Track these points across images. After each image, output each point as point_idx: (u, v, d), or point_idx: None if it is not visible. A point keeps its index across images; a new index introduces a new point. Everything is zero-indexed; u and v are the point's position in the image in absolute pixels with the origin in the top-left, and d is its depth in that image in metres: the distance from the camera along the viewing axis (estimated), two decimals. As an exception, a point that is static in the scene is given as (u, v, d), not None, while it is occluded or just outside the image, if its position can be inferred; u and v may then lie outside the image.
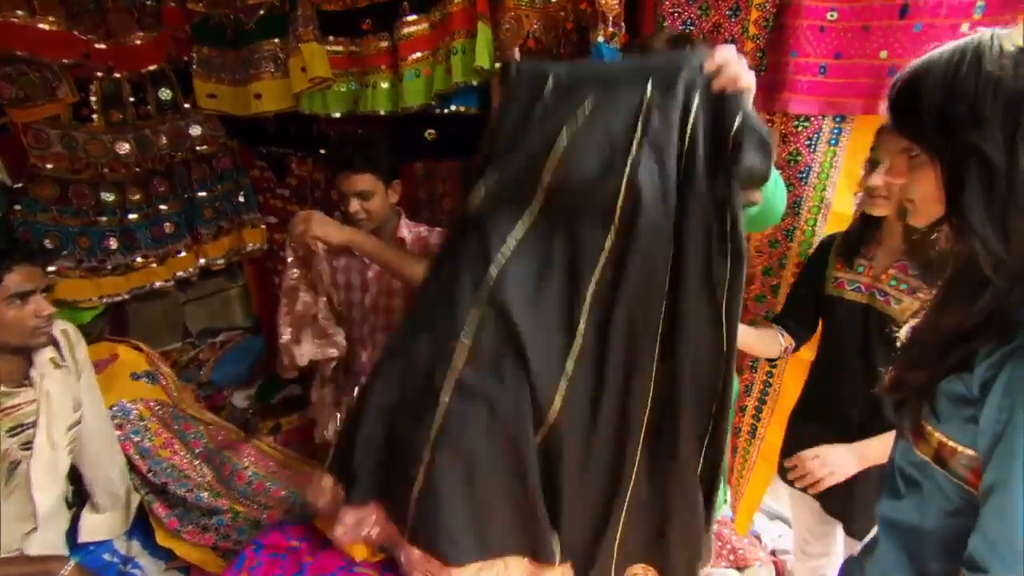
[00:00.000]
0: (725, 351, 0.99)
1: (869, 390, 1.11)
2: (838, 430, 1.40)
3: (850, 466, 1.29)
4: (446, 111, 2.05)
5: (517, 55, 1.02)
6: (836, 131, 1.64)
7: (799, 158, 1.66)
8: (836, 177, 1.68)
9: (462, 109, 2.00)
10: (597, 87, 0.99)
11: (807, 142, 1.65)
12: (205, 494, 1.73)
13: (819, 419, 1.52)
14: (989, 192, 0.69)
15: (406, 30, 2.03)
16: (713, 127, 0.96)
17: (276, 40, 2.25)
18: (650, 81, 0.96)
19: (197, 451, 1.93)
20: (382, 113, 2.17)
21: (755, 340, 1.50)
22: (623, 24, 1.73)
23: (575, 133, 0.97)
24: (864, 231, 1.43)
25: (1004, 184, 0.69)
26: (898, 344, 0.96)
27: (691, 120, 0.96)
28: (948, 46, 0.74)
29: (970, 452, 0.75)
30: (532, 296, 1.02)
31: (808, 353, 1.80)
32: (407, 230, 1.91)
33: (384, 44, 2.11)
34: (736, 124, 0.94)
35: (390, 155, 1.83)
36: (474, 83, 1.93)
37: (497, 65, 1.85)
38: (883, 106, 1.58)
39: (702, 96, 0.96)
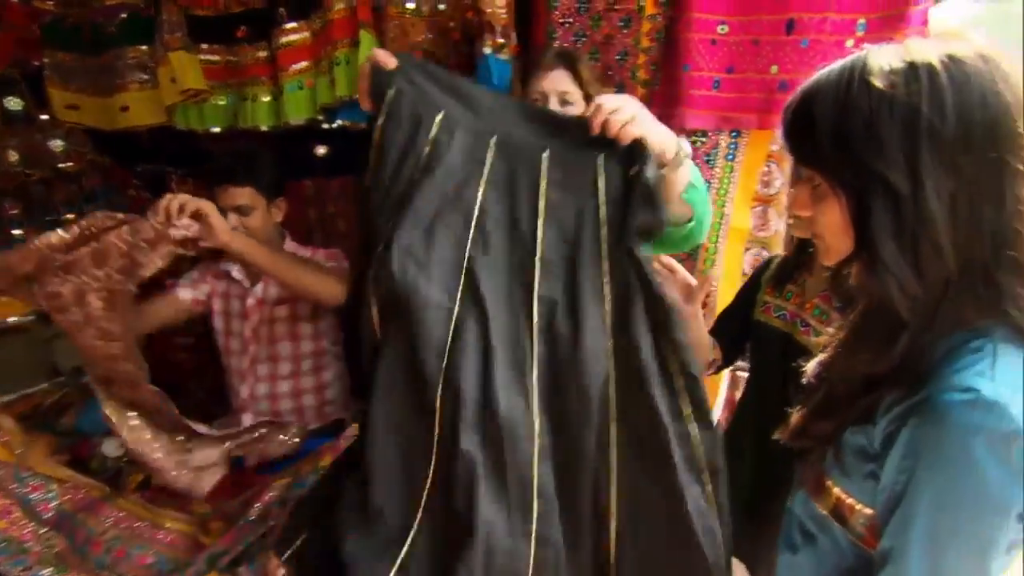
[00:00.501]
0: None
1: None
2: (762, 458, 1.33)
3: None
4: (335, 126, 1.90)
5: (389, 61, 0.89)
6: (732, 146, 1.61)
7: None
8: (734, 192, 1.64)
9: (348, 124, 1.85)
10: (497, 143, 0.93)
11: (705, 158, 1.61)
12: (48, 571, 1.49)
13: (744, 447, 1.45)
14: (898, 223, 0.62)
15: (285, 39, 1.87)
16: (616, 188, 0.89)
17: (143, 47, 2.02)
18: (547, 152, 0.91)
19: (46, 516, 1.67)
20: (264, 129, 1.98)
21: (700, 338, 1.39)
22: (513, 35, 1.64)
23: (485, 199, 0.90)
24: (799, 256, 1.36)
25: (912, 213, 0.62)
26: (803, 381, 0.90)
27: (596, 185, 0.89)
28: (836, 65, 0.68)
29: (868, 511, 0.68)
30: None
31: (711, 380, 1.75)
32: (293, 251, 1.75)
33: (262, 54, 1.93)
34: (639, 183, 0.87)
35: (274, 169, 1.69)
36: (361, 96, 1.79)
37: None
38: (779, 121, 1.58)
39: (604, 159, 0.90)
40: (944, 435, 0.60)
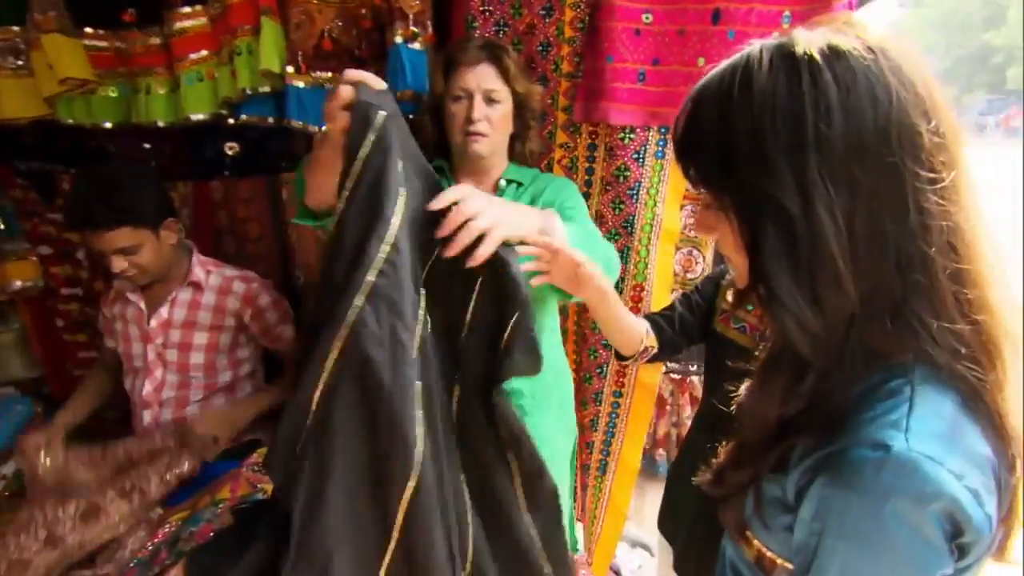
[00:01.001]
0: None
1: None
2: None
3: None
4: (239, 121, 1.73)
5: (379, 83, 0.79)
6: (662, 143, 1.53)
7: (628, 173, 1.53)
8: (665, 191, 1.57)
9: (256, 120, 1.69)
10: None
11: (634, 155, 1.53)
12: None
13: (697, 464, 1.36)
14: (792, 250, 0.54)
15: (179, 24, 1.69)
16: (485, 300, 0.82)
17: (14, 28, 1.80)
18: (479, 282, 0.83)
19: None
20: (161, 124, 1.80)
21: (622, 324, 1.25)
22: (428, 23, 1.52)
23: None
24: None
25: (806, 239, 0.53)
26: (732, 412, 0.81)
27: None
28: (722, 64, 0.59)
29: (789, 566, 0.60)
30: None
31: (650, 378, 1.68)
32: (202, 270, 1.59)
33: (155, 41, 1.74)
34: (508, 327, 0.79)
35: (152, 194, 1.49)
36: (267, 89, 1.63)
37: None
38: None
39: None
40: (853, 498, 0.52)
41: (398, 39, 1.46)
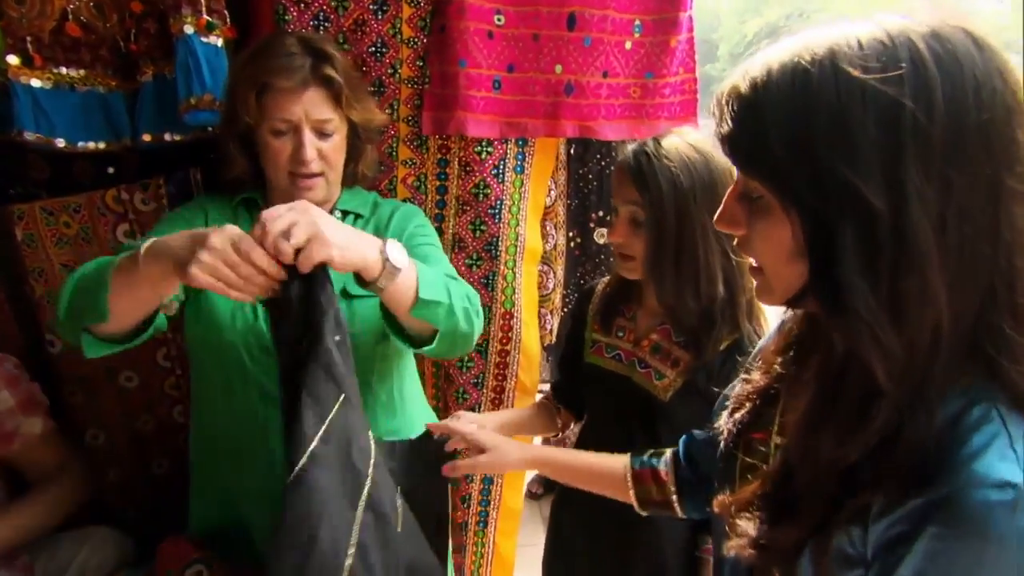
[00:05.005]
0: None
1: None
2: (597, 517, 1.13)
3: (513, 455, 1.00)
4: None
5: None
6: (520, 156, 1.40)
7: (488, 191, 1.37)
8: (526, 209, 1.44)
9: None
10: None
11: (493, 171, 1.37)
12: None
13: (579, 503, 1.24)
14: (874, 255, 0.47)
15: None
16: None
17: None
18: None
19: None
20: None
21: (526, 421, 1.24)
22: (226, 13, 1.19)
23: None
24: (623, 286, 1.14)
25: (891, 243, 0.47)
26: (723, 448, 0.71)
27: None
28: (783, 45, 0.51)
29: None
30: None
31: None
32: None
33: None
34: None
35: None
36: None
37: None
38: (569, 128, 1.36)
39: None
40: (984, 549, 0.45)
41: (188, 29, 1.11)
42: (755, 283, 0.60)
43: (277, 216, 0.73)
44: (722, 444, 0.73)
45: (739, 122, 0.52)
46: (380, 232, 1.10)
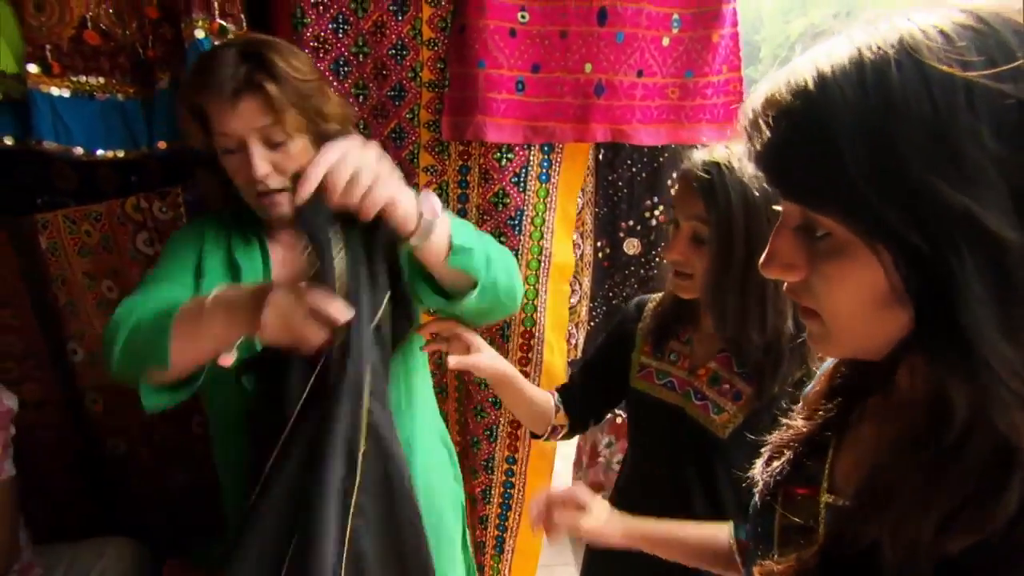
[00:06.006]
0: None
1: (679, 515, 0.87)
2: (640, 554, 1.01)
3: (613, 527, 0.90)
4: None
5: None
6: (545, 163, 1.31)
7: (507, 200, 1.29)
8: (553, 221, 1.35)
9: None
10: None
11: (514, 179, 1.29)
12: None
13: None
14: (1004, 298, 0.38)
15: None
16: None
17: None
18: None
19: None
20: None
21: (526, 402, 1.09)
22: (241, 16, 1.16)
23: None
24: (679, 307, 1.02)
25: (1021, 276, 0.38)
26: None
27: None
28: (840, 46, 0.41)
29: None
30: None
31: (549, 444, 1.43)
32: None
33: None
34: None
35: None
36: None
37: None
38: (600, 132, 1.24)
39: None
40: None
41: (199, 33, 1.09)
42: (809, 329, 0.48)
43: (338, 156, 0.69)
44: (756, 497, 0.62)
45: (791, 143, 0.41)
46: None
